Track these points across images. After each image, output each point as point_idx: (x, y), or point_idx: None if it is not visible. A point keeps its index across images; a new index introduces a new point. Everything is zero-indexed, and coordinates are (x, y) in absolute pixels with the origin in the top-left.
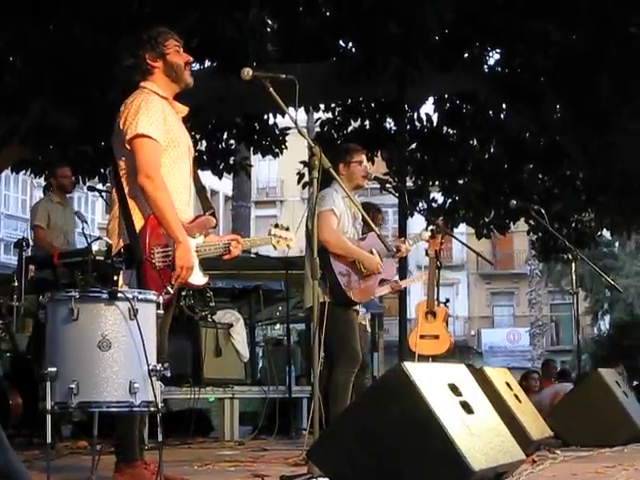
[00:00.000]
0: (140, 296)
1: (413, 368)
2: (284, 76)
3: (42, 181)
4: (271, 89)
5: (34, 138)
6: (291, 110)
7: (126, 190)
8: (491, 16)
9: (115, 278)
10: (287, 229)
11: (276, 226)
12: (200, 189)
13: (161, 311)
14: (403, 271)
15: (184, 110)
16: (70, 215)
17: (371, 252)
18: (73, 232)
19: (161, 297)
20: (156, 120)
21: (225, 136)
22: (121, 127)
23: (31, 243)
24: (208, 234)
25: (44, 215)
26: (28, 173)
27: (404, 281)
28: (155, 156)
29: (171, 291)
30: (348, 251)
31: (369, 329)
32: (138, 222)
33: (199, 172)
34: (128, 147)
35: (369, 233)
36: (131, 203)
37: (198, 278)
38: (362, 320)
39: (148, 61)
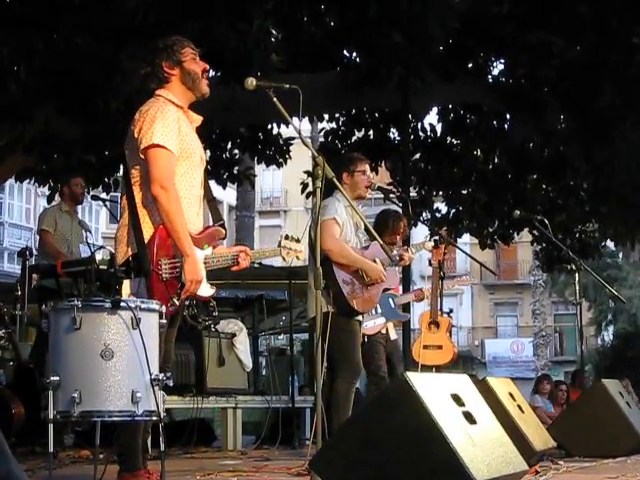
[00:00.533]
0: (143, 305)
1: (416, 378)
2: (288, 86)
3: (46, 190)
4: (275, 99)
5: (38, 147)
6: (295, 120)
7: (137, 199)
8: (495, 27)
9: (118, 287)
10: (298, 240)
11: (286, 237)
12: (211, 199)
13: (164, 320)
14: (406, 281)
15: (198, 120)
16: (76, 227)
17: (374, 261)
18: (77, 243)
19: (164, 308)
20: (171, 130)
21: (229, 146)
22: (135, 135)
23: (34, 252)
24: (217, 245)
25: (52, 222)
26: (32, 182)
27: (427, 290)
28: (169, 167)
29: (177, 303)
30: (351, 260)
31: (396, 338)
32: (147, 231)
33: None
34: (142, 156)
35: (372, 242)
36: (142, 212)
37: (205, 290)
38: (383, 330)
39: (165, 69)
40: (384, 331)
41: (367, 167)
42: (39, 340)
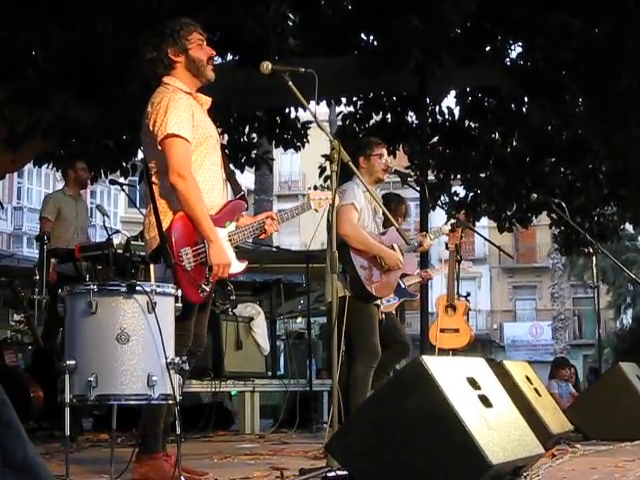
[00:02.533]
0: (158, 289)
1: (431, 362)
2: (303, 70)
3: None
4: (290, 83)
5: (56, 132)
6: (311, 104)
7: (156, 190)
8: (512, 9)
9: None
10: (328, 188)
11: (315, 188)
12: (229, 173)
13: (179, 304)
14: (425, 264)
15: (208, 101)
16: (82, 210)
17: (392, 247)
18: (83, 226)
19: (194, 294)
20: (185, 118)
21: (247, 130)
22: (150, 129)
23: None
24: (240, 218)
25: (53, 208)
26: (50, 166)
27: (434, 270)
28: (186, 155)
29: (207, 289)
30: (368, 246)
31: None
32: (167, 222)
33: None
34: (159, 147)
35: (390, 227)
36: (162, 202)
37: (236, 267)
38: (393, 309)
39: (170, 55)
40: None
41: (384, 151)
42: (49, 323)
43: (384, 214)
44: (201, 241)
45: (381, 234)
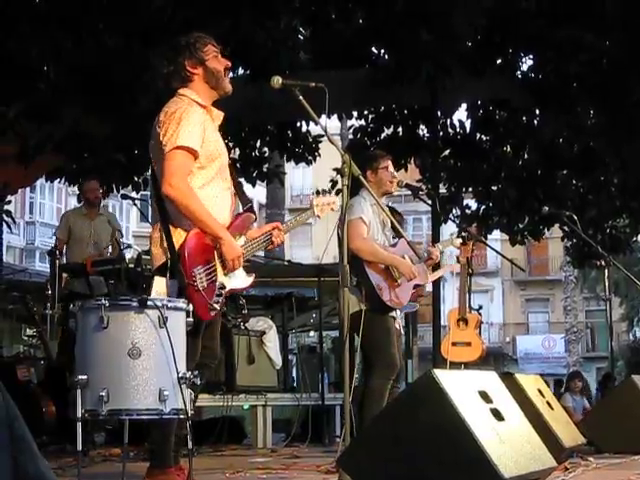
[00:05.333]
0: (170, 304)
1: (443, 375)
2: (314, 84)
3: (76, 189)
4: (301, 97)
5: (68, 146)
6: (322, 118)
7: (168, 205)
8: (523, 22)
9: (146, 285)
10: (329, 192)
11: (317, 193)
12: (236, 185)
13: (191, 319)
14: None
15: (220, 116)
16: (102, 226)
17: (403, 258)
18: (98, 243)
19: (205, 312)
20: (196, 133)
21: (258, 144)
22: (160, 138)
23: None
24: (248, 231)
25: (65, 228)
26: (62, 181)
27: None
28: (184, 166)
29: (217, 308)
30: (380, 257)
31: (402, 333)
32: (178, 238)
33: None
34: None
35: (399, 240)
36: (173, 218)
37: (241, 281)
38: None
39: (188, 68)
40: (398, 325)
41: (389, 163)
42: (64, 340)
43: (393, 226)
44: (212, 259)
45: (391, 246)
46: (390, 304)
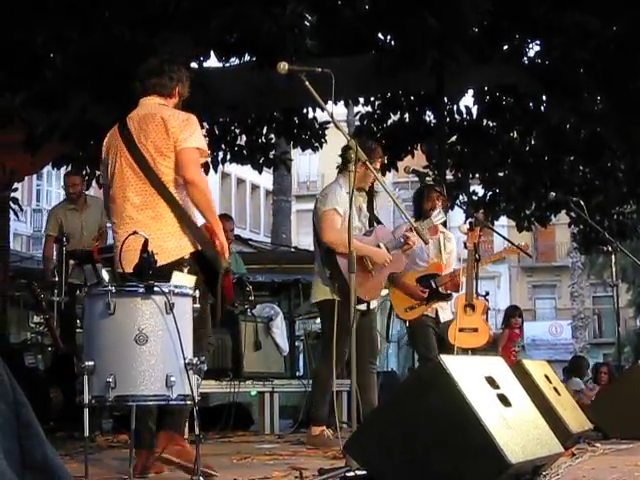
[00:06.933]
0: (176, 290)
1: (450, 361)
2: (320, 70)
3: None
4: (307, 83)
5: (74, 134)
6: (329, 104)
7: (178, 198)
8: (529, 8)
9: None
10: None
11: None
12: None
13: (197, 305)
14: None
15: None
16: (91, 216)
17: (378, 246)
18: (88, 236)
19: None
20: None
21: (265, 130)
22: (173, 130)
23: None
24: None
25: (54, 223)
26: (69, 169)
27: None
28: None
29: None
30: (355, 249)
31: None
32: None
33: (239, 166)
34: (181, 155)
35: (376, 227)
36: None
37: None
38: (431, 313)
39: (176, 92)
40: (433, 314)
41: (380, 163)
42: (63, 325)
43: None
44: None
45: (366, 234)
46: (363, 297)
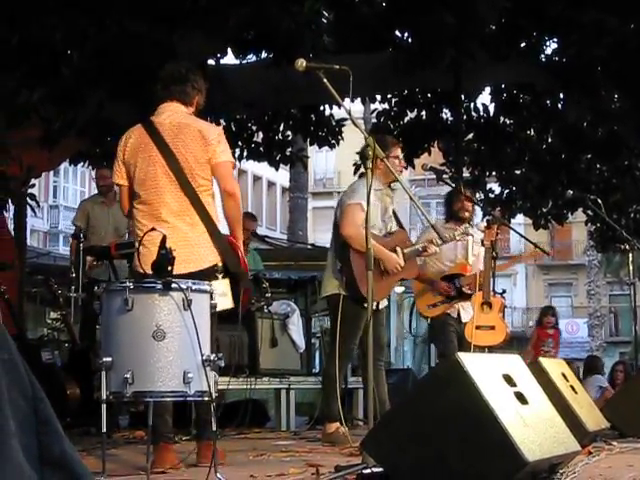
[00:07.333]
0: (194, 287)
1: (467, 358)
2: (338, 67)
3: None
4: (325, 80)
5: (91, 130)
6: (346, 101)
7: (211, 209)
8: (546, 5)
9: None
10: None
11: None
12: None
13: (215, 301)
14: None
15: None
16: (119, 212)
17: (394, 250)
18: (113, 231)
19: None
20: None
21: (282, 127)
22: (213, 142)
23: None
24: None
25: (82, 215)
26: (86, 165)
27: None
28: None
29: None
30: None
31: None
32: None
33: (256, 163)
34: (220, 168)
35: (397, 230)
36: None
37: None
38: (453, 312)
39: (195, 101)
40: (455, 314)
41: (399, 151)
42: (85, 322)
43: (395, 215)
44: None
45: (386, 235)
46: (366, 296)
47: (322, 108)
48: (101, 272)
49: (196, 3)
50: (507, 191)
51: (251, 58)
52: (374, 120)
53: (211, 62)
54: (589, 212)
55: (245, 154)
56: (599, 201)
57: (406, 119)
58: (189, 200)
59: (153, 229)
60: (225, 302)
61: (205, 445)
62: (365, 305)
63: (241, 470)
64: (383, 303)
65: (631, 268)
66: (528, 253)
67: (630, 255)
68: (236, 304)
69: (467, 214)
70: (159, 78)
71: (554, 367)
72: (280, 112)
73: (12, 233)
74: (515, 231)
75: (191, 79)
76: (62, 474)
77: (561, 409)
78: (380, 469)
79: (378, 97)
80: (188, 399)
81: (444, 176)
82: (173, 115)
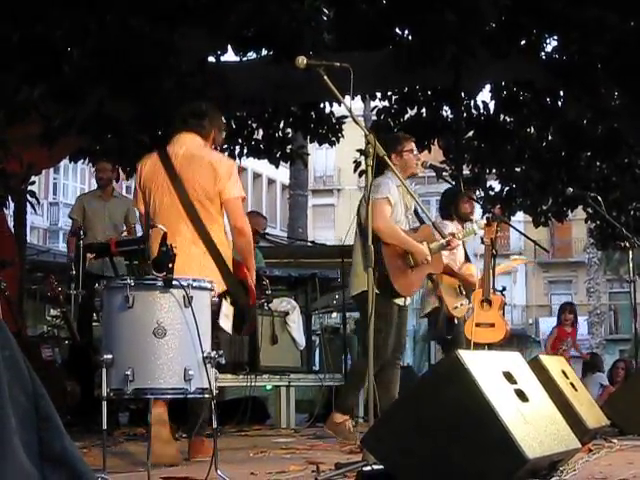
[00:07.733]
0: (195, 284)
1: (467, 356)
2: (338, 64)
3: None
4: (325, 77)
5: (92, 127)
6: (346, 98)
7: (216, 237)
8: (547, 3)
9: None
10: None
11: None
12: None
13: (216, 299)
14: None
15: None
16: (116, 207)
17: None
18: (108, 226)
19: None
20: None
21: (282, 124)
22: (222, 174)
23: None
24: None
25: (79, 209)
26: (86, 162)
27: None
28: None
29: None
30: (401, 241)
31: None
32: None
33: (256, 160)
34: (231, 202)
35: (421, 226)
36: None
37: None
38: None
39: (212, 137)
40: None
41: (413, 145)
42: (82, 317)
43: (420, 209)
44: None
45: (412, 230)
46: (399, 291)
47: (322, 105)
48: (98, 267)
49: (197, 1)
50: (507, 188)
51: (251, 55)
52: (374, 118)
53: (211, 59)
54: (589, 210)
55: (245, 151)
56: (599, 198)
57: (406, 116)
58: (196, 231)
59: (154, 226)
60: (226, 324)
61: (196, 441)
62: (397, 302)
63: (241, 467)
64: (409, 300)
65: (631, 265)
66: (508, 265)
67: (630, 253)
68: (238, 332)
69: (470, 215)
70: (178, 112)
71: (554, 364)
72: (280, 109)
73: (12, 230)
74: (515, 229)
75: (210, 115)
76: (63, 471)
77: (561, 406)
78: (380, 466)
79: (378, 94)
80: (189, 396)
81: (444, 174)
82: (188, 146)
